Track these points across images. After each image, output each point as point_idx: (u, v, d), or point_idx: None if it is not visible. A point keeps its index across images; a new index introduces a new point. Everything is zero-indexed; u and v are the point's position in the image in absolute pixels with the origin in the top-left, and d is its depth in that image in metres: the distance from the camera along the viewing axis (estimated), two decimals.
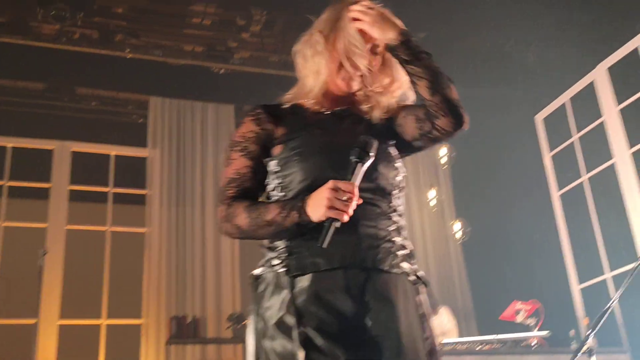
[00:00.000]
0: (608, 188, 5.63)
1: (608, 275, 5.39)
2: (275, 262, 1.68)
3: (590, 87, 5.72)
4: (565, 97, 5.97)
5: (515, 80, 6.34)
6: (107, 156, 6.11)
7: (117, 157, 6.12)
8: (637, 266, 3.75)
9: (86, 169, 6.09)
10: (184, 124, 6.07)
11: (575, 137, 5.85)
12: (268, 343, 1.61)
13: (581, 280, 5.70)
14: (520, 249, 6.07)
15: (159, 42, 5.95)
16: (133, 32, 5.76)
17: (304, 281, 1.62)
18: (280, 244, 1.70)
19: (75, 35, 5.59)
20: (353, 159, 1.61)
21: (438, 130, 1.75)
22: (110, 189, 6.02)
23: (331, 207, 1.56)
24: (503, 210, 6.28)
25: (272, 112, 1.83)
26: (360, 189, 1.63)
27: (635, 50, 5.27)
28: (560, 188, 6.03)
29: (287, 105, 1.87)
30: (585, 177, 5.74)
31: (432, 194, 6.66)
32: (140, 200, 5.92)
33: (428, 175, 6.85)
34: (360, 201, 1.63)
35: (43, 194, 5.87)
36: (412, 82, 1.77)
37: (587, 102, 5.79)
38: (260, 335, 1.63)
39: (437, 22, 5.82)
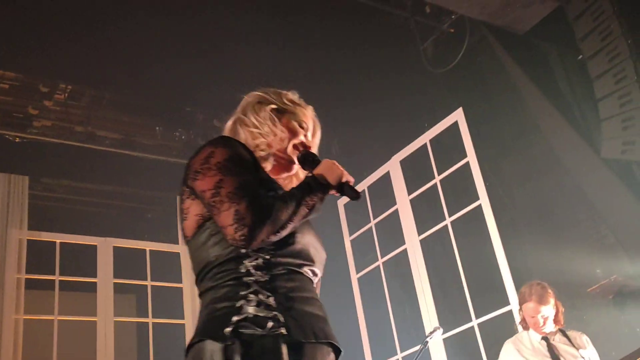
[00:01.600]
0: (401, 272, 6.01)
1: (399, 355, 5.67)
2: (269, 320, 1.47)
3: (387, 176, 6.17)
4: (364, 185, 6.36)
5: None
6: None
7: None
8: (422, 348, 4.02)
9: None
10: None
11: (372, 223, 6.22)
12: None
13: None
14: None
15: None
16: None
17: (297, 353, 1.48)
18: (260, 294, 1.51)
19: None
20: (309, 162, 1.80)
21: None
22: None
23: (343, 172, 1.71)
24: None
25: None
26: (312, 264, 1.72)
27: (425, 145, 5.80)
28: (359, 271, 6.32)
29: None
30: (380, 262, 6.08)
31: None
32: None
33: None
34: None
35: None
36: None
37: (384, 191, 6.22)
38: None
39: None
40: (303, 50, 5.45)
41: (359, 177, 6.47)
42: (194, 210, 1.64)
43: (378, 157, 6.26)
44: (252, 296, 1.51)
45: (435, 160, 5.70)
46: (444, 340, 5.38)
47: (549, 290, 3.57)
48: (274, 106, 1.88)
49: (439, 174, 5.63)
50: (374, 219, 6.23)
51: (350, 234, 6.49)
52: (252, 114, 1.85)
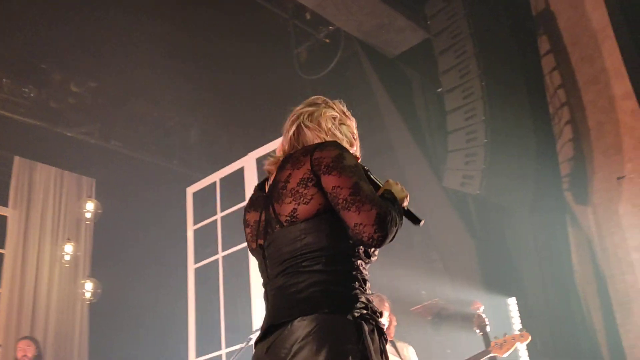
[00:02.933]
0: (239, 269, 6.00)
1: (224, 351, 5.64)
2: (371, 305, 1.76)
3: (240, 172, 6.14)
4: (216, 176, 6.28)
5: (174, 152, 6.52)
6: None
7: None
8: (245, 346, 4.01)
9: None
10: None
11: (219, 215, 6.15)
12: None
13: (198, 354, 5.85)
14: (149, 318, 6.04)
15: None
16: None
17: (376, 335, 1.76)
18: (364, 283, 1.78)
19: None
20: None
21: None
22: None
23: None
24: (140, 275, 6.22)
25: None
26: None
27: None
28: (197, 262, 6.22)
29: None
30: (220, 255, 6.03)
31: (68, 248, 6.29)
32: None
33: (68, 227, 6.48)
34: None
35: None
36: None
37: (236, 185, 6.19)
38: None
39: (110, 75, 5.75)
40: (176, 31, 5.32)
41: (214, 168, 6.39)
42: (318, 199, 1.76)
43: (235, 151, 6.22)
44: (361, 288, 1.77)
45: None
46: None
47: (386, 303, 3.72)
48: (338, 117, 2.04)
49: (221, 211, 5.73)
50: (221, 211, 6.17)
51: (195, 223, 6.37)
52: (323, 122, 1.99)
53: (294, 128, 1.98)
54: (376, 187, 1.90)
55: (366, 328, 1.69)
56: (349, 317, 1.68)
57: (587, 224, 5.29)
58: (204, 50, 5.59)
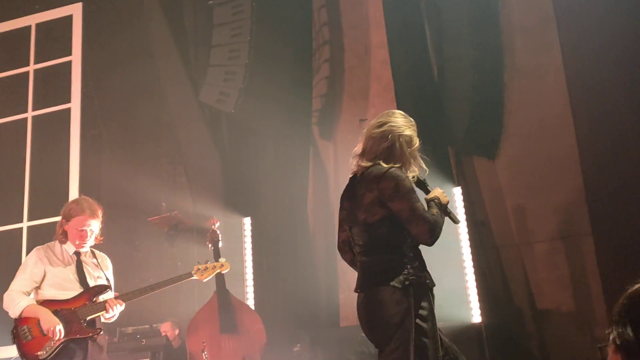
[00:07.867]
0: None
1: None
2: (419, 274, 2.59)
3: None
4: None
5: None
6: None
7: None
8: None
9: None
10: None
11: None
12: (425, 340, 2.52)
13: None
14: None
15: None
16: None
17: (432, 293, 2.64)
18: (413, 261, 2.60)
19: None
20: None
21: None
22: None
23: None
24: None
25: None
26: None
27: (29, 27, 5.23)
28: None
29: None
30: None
31: None
32: None
33: None
34: None
35: None
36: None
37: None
38: (419, 331, 2.51)
39: None
40: None
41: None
42: (380, 213, 2.62)
43: None
44: (410, 262, 2.59)
45: (36, 47, 5.19)
46: None
47: (99, 207, 3.51)
48: (410, 139, 2.74)
49: (35, 63, 5.15)
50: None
51: None
52: (397, 144, 2.70)
53: (382, 137, 2.69)
54: (427, 191, 2.77)
55: (412, 291, 2.52)
56: (399, 284, 2.52)
57: (327, 158, 5.66)
58: None
